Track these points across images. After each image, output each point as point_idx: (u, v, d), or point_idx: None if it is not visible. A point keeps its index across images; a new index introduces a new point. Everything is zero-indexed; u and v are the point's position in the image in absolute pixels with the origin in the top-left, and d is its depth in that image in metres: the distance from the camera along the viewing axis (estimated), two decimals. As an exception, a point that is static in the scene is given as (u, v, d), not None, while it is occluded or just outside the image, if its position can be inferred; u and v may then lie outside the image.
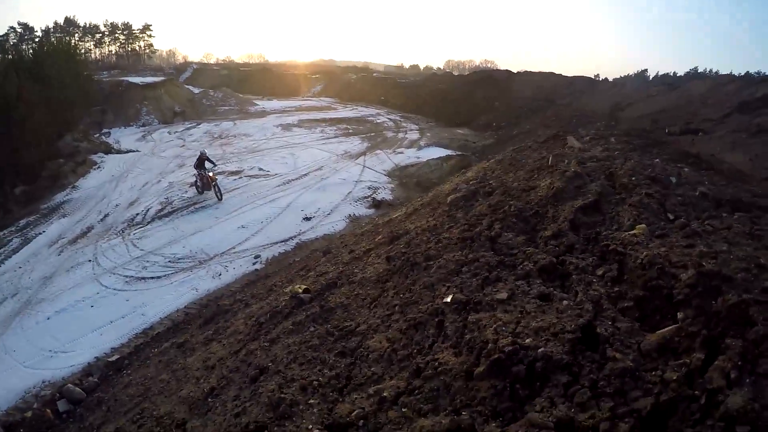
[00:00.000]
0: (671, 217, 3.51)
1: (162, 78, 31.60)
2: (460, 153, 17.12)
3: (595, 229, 3.38)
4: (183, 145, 19.93)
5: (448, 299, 3.33)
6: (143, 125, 24.70)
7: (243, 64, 68.92)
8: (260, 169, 15.51)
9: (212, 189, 12.75)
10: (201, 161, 13.05)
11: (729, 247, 2.83)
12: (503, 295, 3.16)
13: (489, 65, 77.64)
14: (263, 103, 32.45)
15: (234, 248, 10.02)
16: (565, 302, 2.97)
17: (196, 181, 13.06)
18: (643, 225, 3.35)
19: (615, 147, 6.78)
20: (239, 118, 26.91)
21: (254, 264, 9.38)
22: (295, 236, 10.61)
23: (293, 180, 14.44)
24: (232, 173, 15.05)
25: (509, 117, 23.40)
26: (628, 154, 6.06)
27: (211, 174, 12.92)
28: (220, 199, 12.69)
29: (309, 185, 13.87)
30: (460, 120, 25.42)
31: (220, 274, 9.09)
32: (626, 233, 3.10)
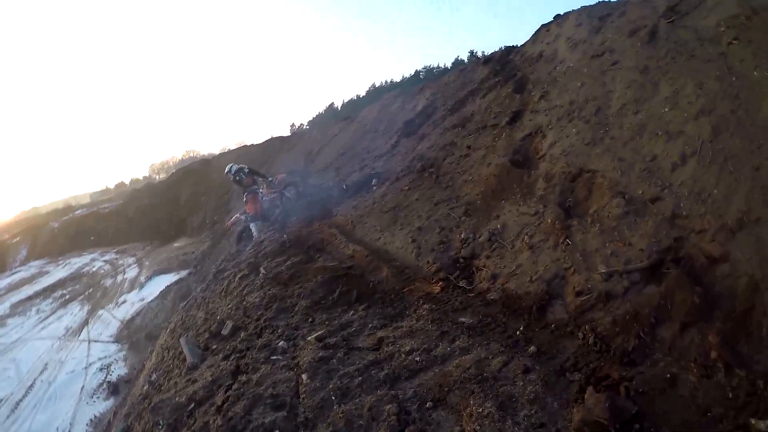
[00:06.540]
0: None
1: None
2: (177, 278, 15.15)
3: None
4: None
5: None
6: None
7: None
8: (-22, 400, 10.70)
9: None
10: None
11: None
12: None
13: (192, 156, 64.43)
14: (-36, 293, 22.76)
15: None
16: None
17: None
18: None
19: (268, 288, 4.44)
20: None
21: None
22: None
23: (21, 399, 10.58)
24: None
25: (218, 209, 20.82)
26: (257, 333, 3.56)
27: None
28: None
29: (39, 399, 10.33)
30: (174, 231, 22.96)
31: None
32: None
